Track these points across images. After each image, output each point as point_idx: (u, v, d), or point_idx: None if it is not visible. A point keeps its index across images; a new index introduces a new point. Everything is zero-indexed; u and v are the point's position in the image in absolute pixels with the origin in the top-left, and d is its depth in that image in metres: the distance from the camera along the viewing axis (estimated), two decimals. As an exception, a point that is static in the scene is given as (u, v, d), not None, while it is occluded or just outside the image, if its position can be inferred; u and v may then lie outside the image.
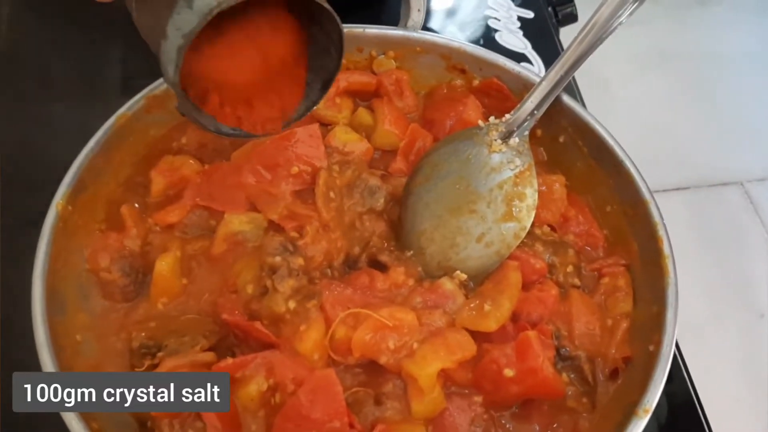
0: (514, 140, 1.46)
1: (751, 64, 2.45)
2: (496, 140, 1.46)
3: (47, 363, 1.21)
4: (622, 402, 1.29)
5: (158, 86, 1.50)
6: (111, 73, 1.93)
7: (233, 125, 1.19)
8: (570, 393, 1.34)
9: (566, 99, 1.51)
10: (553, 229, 1.50)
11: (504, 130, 1.47)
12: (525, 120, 1.47)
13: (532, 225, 1.44)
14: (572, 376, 1.35)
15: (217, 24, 1.02)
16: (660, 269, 1.34)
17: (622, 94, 2.10)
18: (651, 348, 1.29)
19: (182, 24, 1.01)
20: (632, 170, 1.44)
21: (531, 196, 1.43)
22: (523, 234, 1.42)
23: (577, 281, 1.45)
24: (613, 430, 1.23)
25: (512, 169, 1.44)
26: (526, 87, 1.52)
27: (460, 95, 1.62)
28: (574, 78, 1.52)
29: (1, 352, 1.46)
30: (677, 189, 2.08)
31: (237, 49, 1.15)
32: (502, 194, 1.44)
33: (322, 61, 1.21)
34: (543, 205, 1.47)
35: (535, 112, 1.46)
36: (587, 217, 1.53)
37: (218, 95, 1.17)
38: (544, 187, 1.49)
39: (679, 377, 1.58)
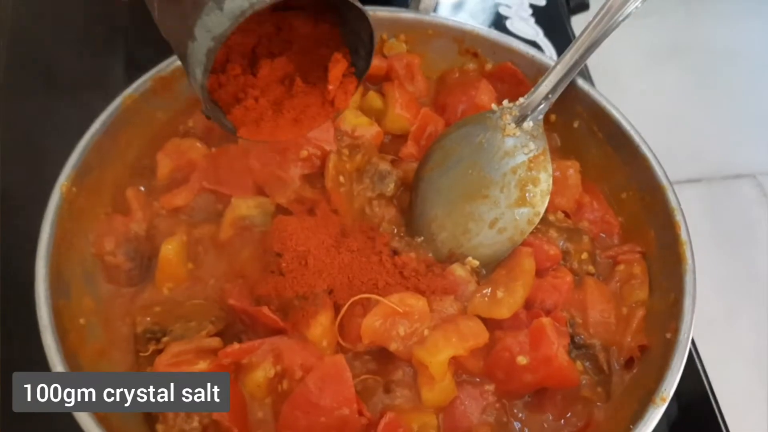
0: (528, 124, 1.43)
1: (765, 57, 2.42)
2: (509, 124, 1.43)
3: (51, 345, 1.18)
4: (637, 391, 1.26)
5: (165, 68, 1.47)
6: (115, 63, 1.90)
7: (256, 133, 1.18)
8: (584, 382, 1.31)
9: (581, 83, 1.48)
10: (567, 215, 1.47)
11: (518, 114, 1.44)
12: (539, 104, 1.43)
13: (546, 211, 1.41)
14: (587, 365, 1.32)
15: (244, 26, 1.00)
16: (677, 256, 1.32)
17: (634, 87, 2.07)
18: (668, 336, 1.26)
19: (212, 26, 0.98)
20: (649, 155, 1.41)
21: (545, 181, 1.40)
22: (537, 220, 1.39)
23: (591, 269, 1.42)
24: (628, 419, 1.20)
25: (526, 154, 1.41)
26: (540, 71, 1.49)
27: (472, 80, 1.59)
28: (587, 69, 1.49)
29: (1, 351, 1.43)
30: (690, 181, 2.06)
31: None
32: (516, 179, 1.41)
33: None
34: (557, 191, 1.44)
35: (550, 96, 1.43)
36: (602, 203, 1.50)
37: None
38: (558, 173, 1.46)
39: (692, 369, 1.56)
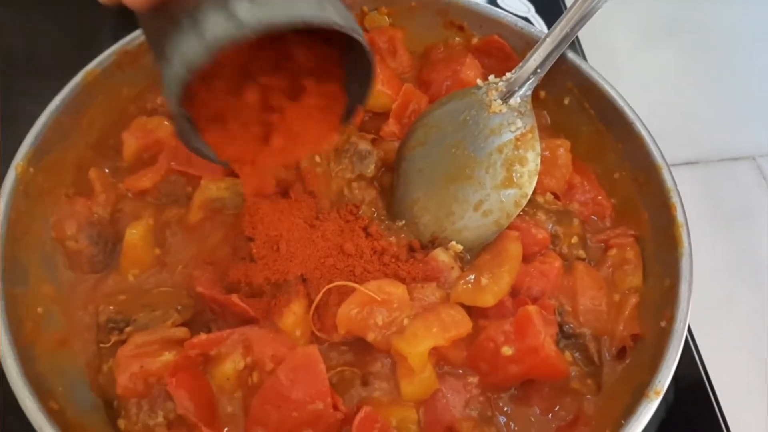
0: (515, 100, 1.36)
1: (764, 37, 2.36)
2: (495, 100, 1.36)
3: (3, 337, 1.12)
4: (630, 383, 1.20)
5: (130, 41, 1.40)
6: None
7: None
8: (573, 374, 1.25)
9: (572, 57, 1.41)
10: (556, 197, 1.40)
11: (504, 89, 1.37)
12: (527, 79, 1.37)
13: (534, 192, 1.34)
14: (576, 355, 1.26)
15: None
16: (673, 239, 1.25)
17: (629, 67, 2.01)
18: (663, 324, 1.19)
19: (187, 51, 0.90)
20: (643, 133, 1.34)
21: (533, 160, 1.33)
22: (524, 201, 1.32)
23: (582, 253, 1.35)
24: (620, 412, 1.14)
25: (513, 131, 1.34)
26: (529, 45, 1.42)
27: (457, 54, 1.52)
28: (582, 49, 1.42)
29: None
30: (687, 164, 1.98)
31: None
32: (502, 158, 1.34)
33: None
34: (546, 171, 1.38)
35: (539, 70, 1.37)
36: (594, 184, 1.43)
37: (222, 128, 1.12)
38: (547, 153, 1.40)
39: (689, 357, 1.51)
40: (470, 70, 1.47)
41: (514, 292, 1.26)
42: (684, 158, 1.99)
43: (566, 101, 1.46)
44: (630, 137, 1.36)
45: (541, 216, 1.34)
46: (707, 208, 1.94)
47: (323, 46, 1.10)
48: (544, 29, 1.53)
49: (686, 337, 1.37)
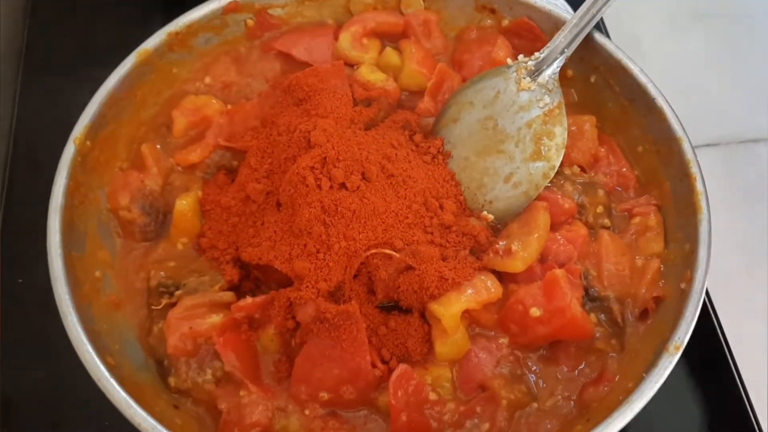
0: (544, 78, 1.39)
1: (784, 26, 2.37)
2: (524, 78, 1.39)
3: (62, 296, 1.16)
4: (652, 341, 1.22)
5: (180, 23, 1.44)
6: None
7: None
8: (598, 334, 1.27)
9: (598, 37, 1.43)
10: (583, 169, 1.42)
11: (533, 68, 1.40)
12: (555, 58, 1.39)
13: (562, 165, 1.37)
14: (601, 317, 1.28)
15: None
16: (693, 207, 1.27)
17: (655, 53, 2.03)
18: (683, 286, 1.22)
19: None
20: (665, 107, 1.36)
21: (560, 135, 1.36)
22: (552, 174, 1.35)
23: (607, 222, 1.37)
24: (642, 368, 1.16)
25: (541, 108, 1.37)
26: (557, 26, 1.44)
27: (489, 36, 1.54)
28: (608, 34, 1.44)
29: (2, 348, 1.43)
30: (707, 145, 2.00)
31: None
32: (531, 133, 1.37)
33: None
34: (573, 145, 1.40)
35: (566, 50, 1.39)
36: (618, 157, 1.45)
37: None
38: (574, 128, 1.42)
39: (710, 328, 1.53)
40: (501, 50, 1.48)
41: (542, 258, 1.29)
42: (706, 140, 2.01)
43: (592, 79, 1.48)
44: (652, 112, 1.38)
45: (568, 187, 1.37)
46: (728, 187, 1.96)
47: None
48: (571, 12, 1.55)
49: (707, 305, 1.40)
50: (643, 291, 1.30)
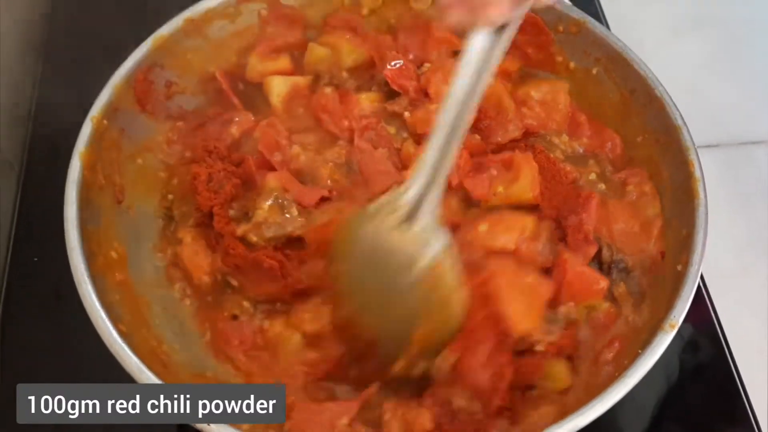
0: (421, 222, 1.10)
1: (782, 31, 2.39)
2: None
3: (79, 266, 1.16)
4: (649, 323, 1.22)
5: (196, 10, 1.45)
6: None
7: None
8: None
9: (599, 29, 1.44)
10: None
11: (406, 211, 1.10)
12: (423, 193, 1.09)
13: (551, 134, 1.42)
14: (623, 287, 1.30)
15: None
16: (690, 193, 1.27)
17: (656, 58, 2.02)
18: (679, 268, 1.21)
19: None
20: (665, 97, 1.36)
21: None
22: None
23: (602, 186, 1.39)
24: (638, 347, 1.15)
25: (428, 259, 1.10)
26: (561, 19, 1.46)
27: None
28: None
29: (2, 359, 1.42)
30: (707, 146, 2.01)
31: None
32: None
33: None
34: (549, 116, 1.44)
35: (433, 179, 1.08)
36: (614, 140, 1.47)
37: None
38: (549, 96, 1.45)
39: (709, 327, 1.53)
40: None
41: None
42: (705, 142, 2.02)
43: (594, 71, 1.48)
44: (651, 101, 1.38)
45: (559, 156, 1.40)
46: (727, 188, 1.97)
47: None
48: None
49: (707, 305, 1.40)
50: (651, 245, 1.32)
